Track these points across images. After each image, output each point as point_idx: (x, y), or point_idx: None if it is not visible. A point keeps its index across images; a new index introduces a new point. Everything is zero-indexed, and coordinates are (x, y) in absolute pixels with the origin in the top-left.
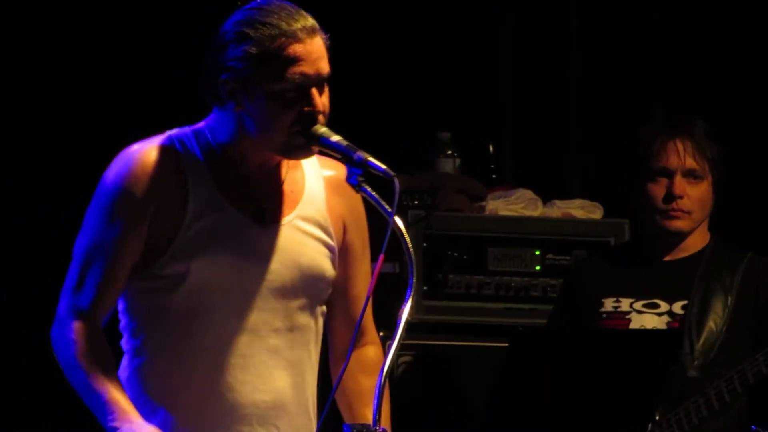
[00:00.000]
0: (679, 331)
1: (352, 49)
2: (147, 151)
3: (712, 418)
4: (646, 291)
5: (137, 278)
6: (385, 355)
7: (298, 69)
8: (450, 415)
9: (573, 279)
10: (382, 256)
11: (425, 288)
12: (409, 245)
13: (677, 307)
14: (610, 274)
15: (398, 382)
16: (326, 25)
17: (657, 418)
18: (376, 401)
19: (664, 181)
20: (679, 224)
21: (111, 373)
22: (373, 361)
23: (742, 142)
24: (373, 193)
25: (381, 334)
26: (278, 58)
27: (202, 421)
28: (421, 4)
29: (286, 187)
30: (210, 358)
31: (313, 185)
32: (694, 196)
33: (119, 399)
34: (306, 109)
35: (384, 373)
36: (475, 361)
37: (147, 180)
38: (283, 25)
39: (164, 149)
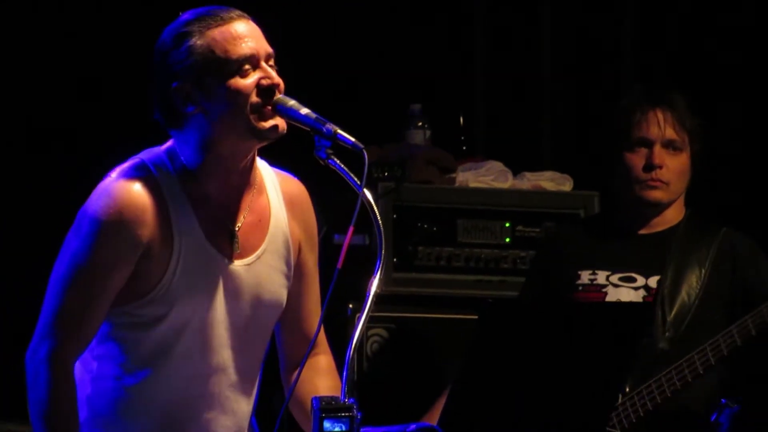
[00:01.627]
0: (651, 304)
1: (322, 21)
2: (130, 186)
3: (690, 387)
4: (623, 264)
5: (113, 312)
6: (354, 326)
7: (244, 44)
8: (420, 386)
9: (547, 249)
10: (351, 229)
11: (395, 260)
12: (379, 217)
13: (653, 282)
14: (586, 246)
15: (368, 354)
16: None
17: (627, 390)
18: (345, 373)
19: (644, 151)
20: (657, 195)
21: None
22: (326, 368)
23: (714, 119)
24: (342, 166)
25: (350, 306)
26: (223, 41)
27: None
28: None
29: (254, 217)
30: (176, 395)
31: (278, 211)
32: (673, 167)
33: None
34: (263, 81)
35: (353, 345)
36: (444, 333)
37: (133, 223)
38: (217, 12)
39: (146, 182)
